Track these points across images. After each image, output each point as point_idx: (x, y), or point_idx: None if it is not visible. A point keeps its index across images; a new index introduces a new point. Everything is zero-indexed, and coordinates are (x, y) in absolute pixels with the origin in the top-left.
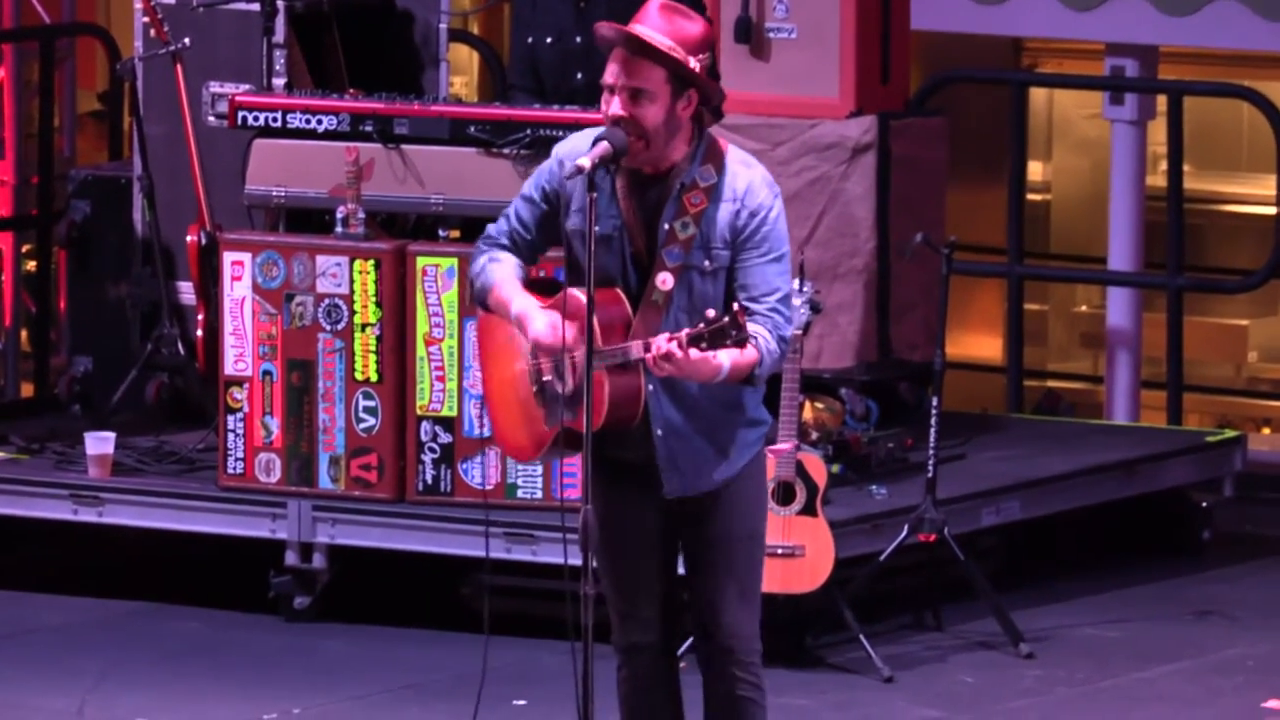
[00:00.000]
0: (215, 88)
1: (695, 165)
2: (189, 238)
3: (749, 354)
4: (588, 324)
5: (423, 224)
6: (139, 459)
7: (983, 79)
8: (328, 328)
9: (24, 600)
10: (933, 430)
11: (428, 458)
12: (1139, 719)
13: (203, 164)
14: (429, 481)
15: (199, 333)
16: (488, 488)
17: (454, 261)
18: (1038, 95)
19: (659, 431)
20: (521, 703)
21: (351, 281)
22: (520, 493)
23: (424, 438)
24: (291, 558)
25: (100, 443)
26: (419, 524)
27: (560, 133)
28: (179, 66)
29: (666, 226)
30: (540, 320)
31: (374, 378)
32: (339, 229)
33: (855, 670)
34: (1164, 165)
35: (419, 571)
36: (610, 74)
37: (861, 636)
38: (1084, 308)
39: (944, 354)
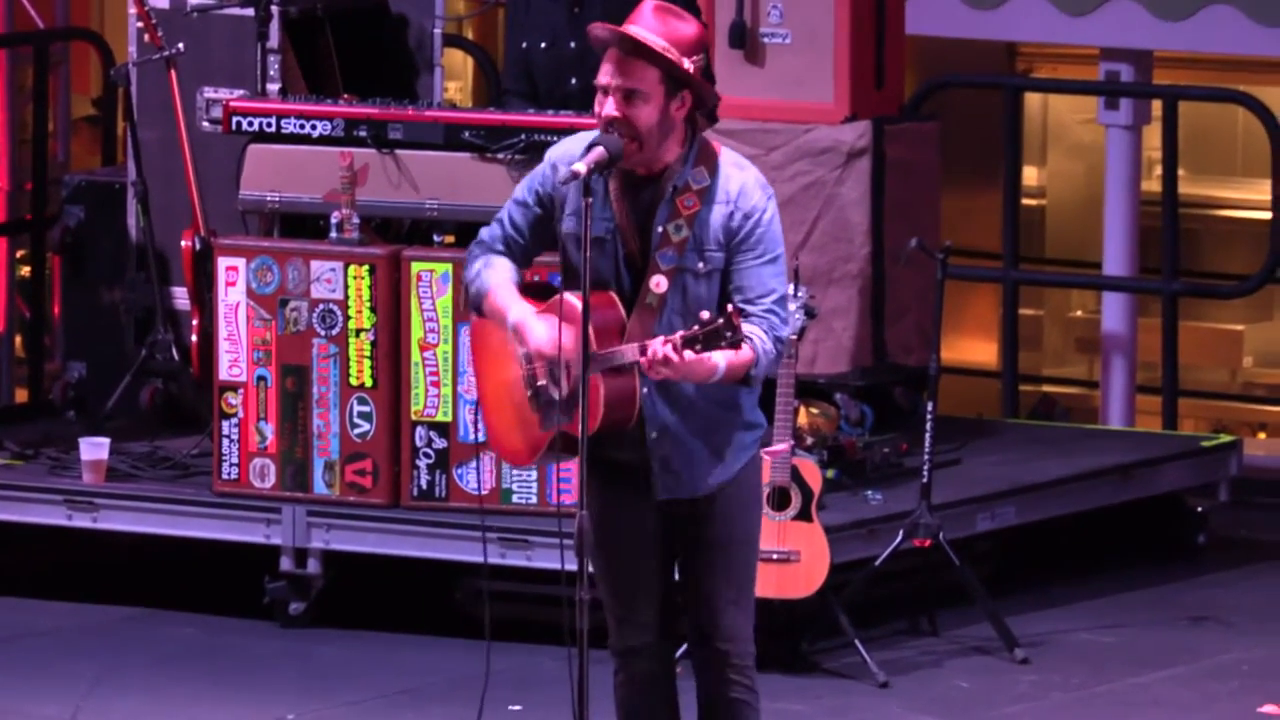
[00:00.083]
0: (209, 93)
1: (688, 167)
2: (183, 243)
3: (744, 354)
4: (583, 329)
5: (417, 229)
6: (133, 464)
7: (977, 84)
8: (322, 333)
9: (18, 605)
10: (928, 435)
11: (422, 463)
12: None
13: (197, 169)
14: (424, 487)
15: (193, 338)
16: (482, 493)
17: (449, 267)
18: (1032, 100)
19: (653, 434)
20: (517, 708)
21: (346, 287)
22: (515, 498)
23: (419, 443)
24: (286, 563)
25: (95, 448)
26: (414, 529)
27: (554, 138)
28: (173, 72)
29: (660, 229)
30: (539, 329)
31: (369, 383)
32: (333, 234)
33: (850, 675)
34: (1159, 170)
35: (414, 577)
36: (604, 74)
37: (857, 641)
38: (1079, 313)
39: (939, 359)
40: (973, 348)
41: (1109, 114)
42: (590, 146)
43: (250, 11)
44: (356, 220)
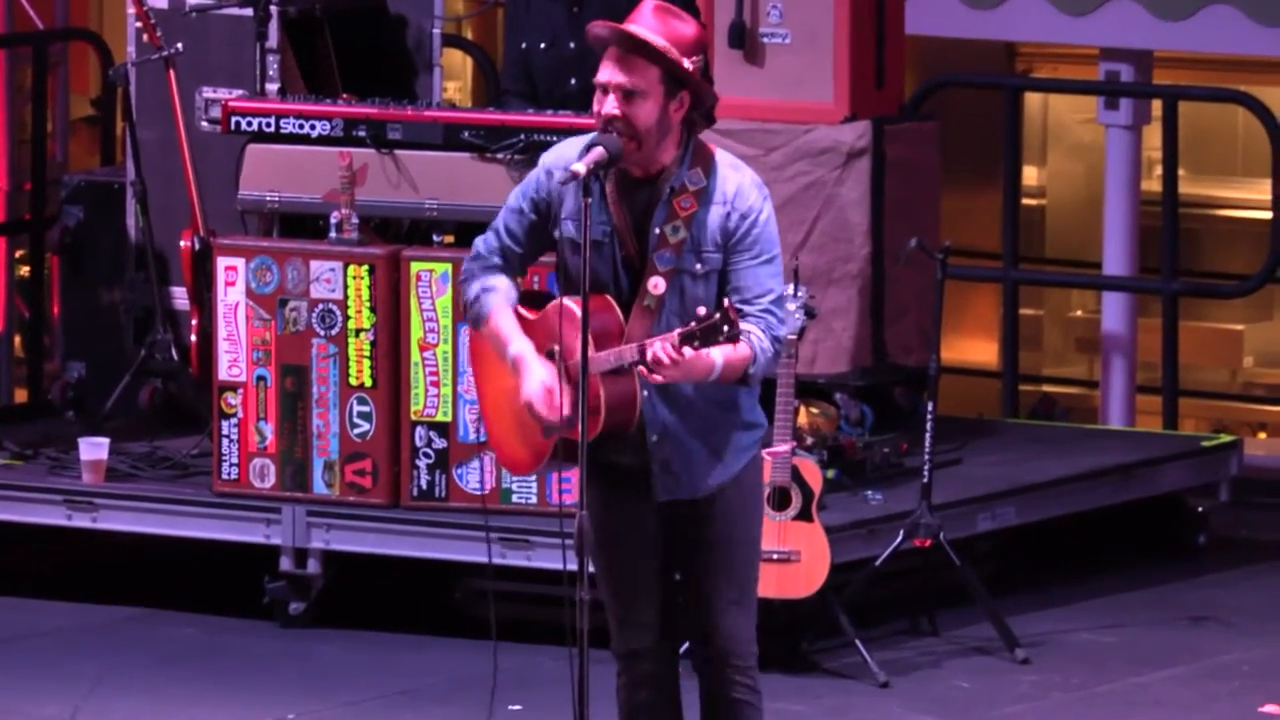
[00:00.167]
0: (208, 93)
1: (684, 168)
2: (182, 243)
3: (742, 351)
4: (583, 332)
5: (417, 229)
6: (133, 464)
7: (977, 84)
8: (322, 333)
9: (18, 606)
10: (928, 435)
11: (422, 463)
12: None
13: (196, 169)
14: (424, 487)
15: (193, 338)
16: (483, 493)
17: (448, 267)
18: (1032, 100)
19: (653, 437)
20: (518, 708)
21: (345, 287)
22: (515, 498)
23: (419, 443)
24: (286, 563)
25: (94, 448)
26: (414, 529)
27: (554, 138)
28: (172, 72)
29: (657, 230)
30: (535, 379)
31: (368, 383)
32: (333, 234)
33: (851, 675)
34: (1159, 170)
35: (414, 577)
36: (604, 73)
37: (857, 641)
38: (1079, 312)
39: (939, 359)
40: (973, 348)
41: (1109, 114)
42: (589, 147)
43: (249, 11)
44: (356, 220)
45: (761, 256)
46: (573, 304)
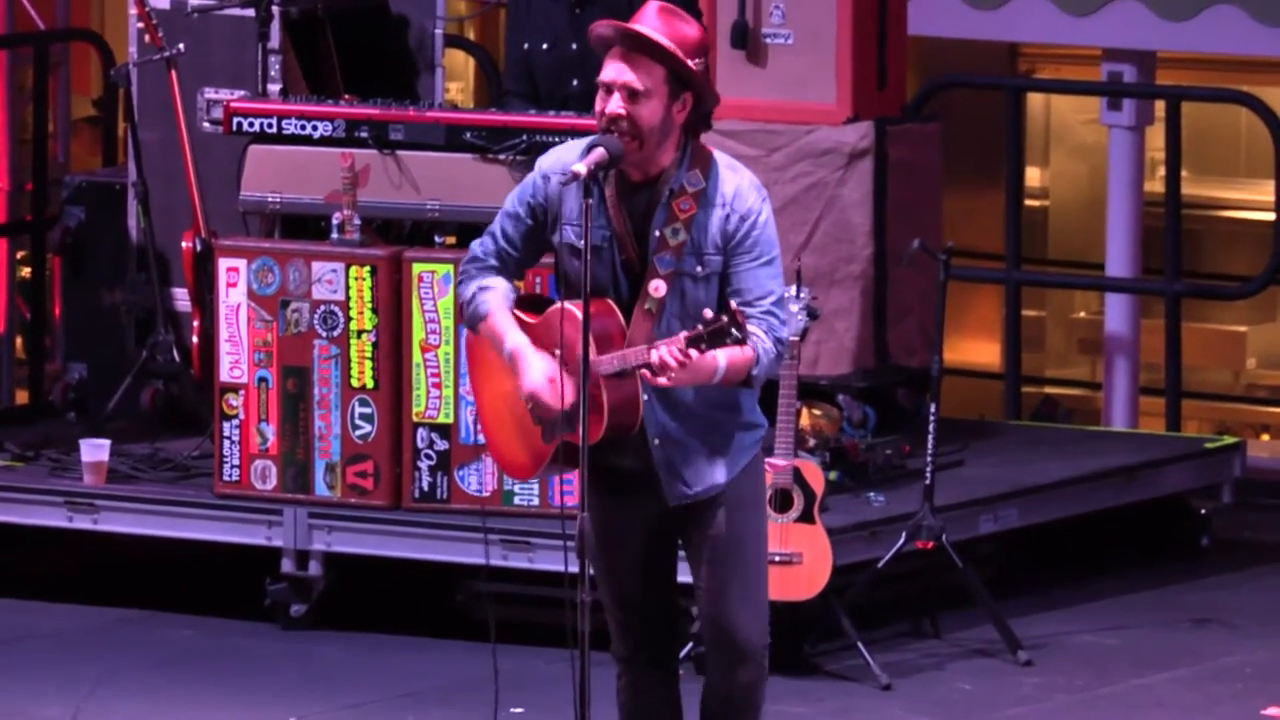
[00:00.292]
0: (210, 93)
1: (683, 170)
2: (184, 244)
3: (745, 353)
4: (584, 336)
5: (419, 230)
6: (134, 466)
7: (980, 84)
8: (323, 334)
9: (18, 607)
10: (930, 437)
11: (424, 464)
12: None
13: (198, 170)
14: (425, 488)
15: (194, 339)
16: (484, 495)
17: (450, 268)
18: (1035, 100)
19: (655, 440)
20: (519, 710)
21: (347, 288)
22: (517, 500)
23: (420, 444)
24: (287, 565)
25: (95, 450)
26: (415, 531)
27: (556, 139)
28: (174, 72)
29: (657, 233)
30: (535, 370)
31: (370, 384)
32: (334, 235)
33: (853, 678)
34: (1162, 171)
35: (415, 579)
36: (608, 72)
37: (859, 644)
38: (1082, 314)
39: (941, 360)
40: (975, 349)
41: (1112, 115)
42: (590, 148)
43: (251, 12)
44: (358, 221)
45: (762, 258)
46: (574, 308)
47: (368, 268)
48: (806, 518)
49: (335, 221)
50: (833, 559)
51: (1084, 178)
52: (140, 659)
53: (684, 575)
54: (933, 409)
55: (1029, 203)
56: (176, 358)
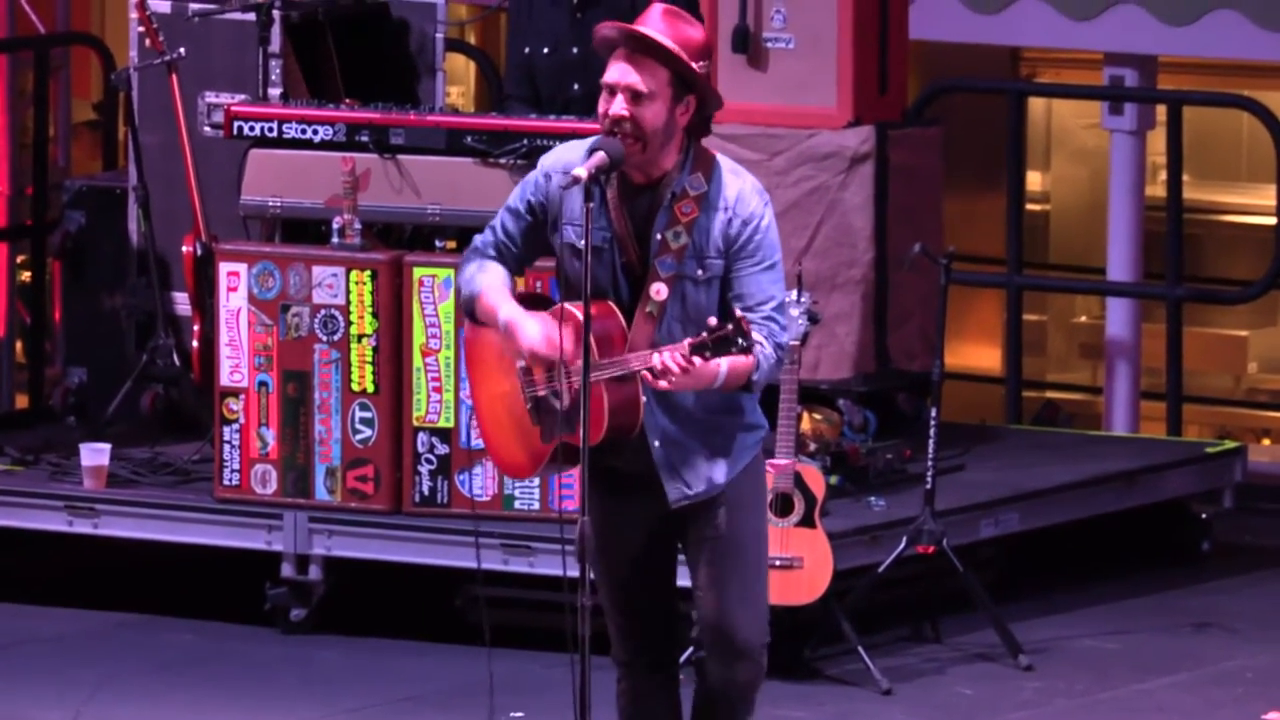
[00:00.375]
0: (211, 97)
1: (685, 174)
2: (184, 248)
3: (746, 359)
4: (584, 339)
5: (419, 234)
6: (134, 470)
7: (981, 89)
8: (324, 338)
9: (19, 612)
10: (931, 441)
11: (424, 469)
12: None
13: (198, 174)
14: (425, 493)
15: (194, 344)
16: (485, 499)
17: (450, 272)
18: (1036, 105)
19: (656, 442)
20: (519, 714)
21: (348, 292)
22: (517, 504)
23: (420, 449)
24: (287, 569)
25: (95, 454)
26: (415, 535)
27: (556, 143)
28: (174, 76)
29: (659, 236)
30: (532, 328)
31: (370, 389)
32: (335, 239)
33: (853, 682)
34: (1163, 175)
35: (415, 583)
36: (612, 73)
37: (860, 648)
38: (1083, 318)
39: (942, 364)
40: (976, 353)
41: (1113, 119)
42: (591, 151)
43: (252, 16)
44: (358, 225)
45: (763, 263)
46: (575, 309)
47: (368, 272)
48: (807, 522)
49: (336, 226)
50: (833, 563)
51: (1085, 182)
52: (140, 663)
53: (682, 579)
54: (933, 413)
55: (1030, 207)
56: (177, 362)
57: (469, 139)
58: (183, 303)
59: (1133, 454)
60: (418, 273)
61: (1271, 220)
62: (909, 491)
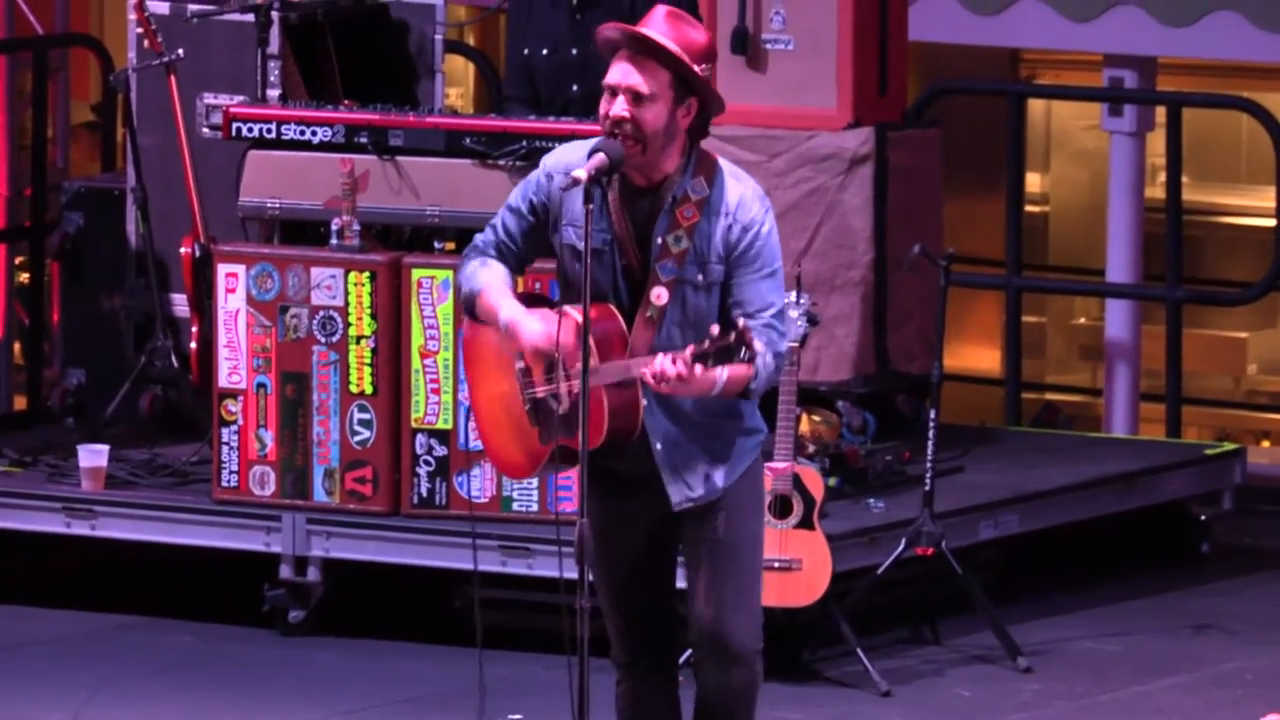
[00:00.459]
0: (209, 99)
1: (687, 177)
2: (183, 249)
3: (745, 368)
4: (584, 341)
5: (418, 236)
6: (132, 472)
7: (980, 90)
8: (322, 340)
9: (17, 613)
10: (930, 443)
11: (423, 470)
12: None
13: (197, 175)
14: (424, 494)
15: (193, 345)
16: (483, 500)
17: (449, 274)
18: (1035, 106)
19: (658, 445)
20: (518, 717)
21: (346, 294)
22: (516, 505)
23: (419, 450)
24: (286, 571)
25: (93, 455)
26: (414, 537)
27: (556, 144)
28: (173, 77)
29: (660, 240)
30: (533, 325)
31: (369, 390)
32: (334, 241)
33: (852, 684)
34: (1163, 177)
35: (414, 585)
36: (614, 74)
37: (859, 650)
38: (1082, 320)
39: (942, 366)
40: (976, 355)
41: (1113, 120)
42: (592, 152)
43: (250, 17)
44: (357, 227)
45: (764, 270)
46: (575, 312)
47: (367, 273)
48: (806, 524)
49: (334, 227)
50: (832, 565)
51: (1085, 183)
52: (138, 665)
53: (679, 580)
54: (933, 415)
55: (1029, 208)
56: (175, 363)
57: (468, 140)
58: (181, 304)
59: (1132, 456)
60: (416, 274)
61: (1271, 222)
62: (908, 493)
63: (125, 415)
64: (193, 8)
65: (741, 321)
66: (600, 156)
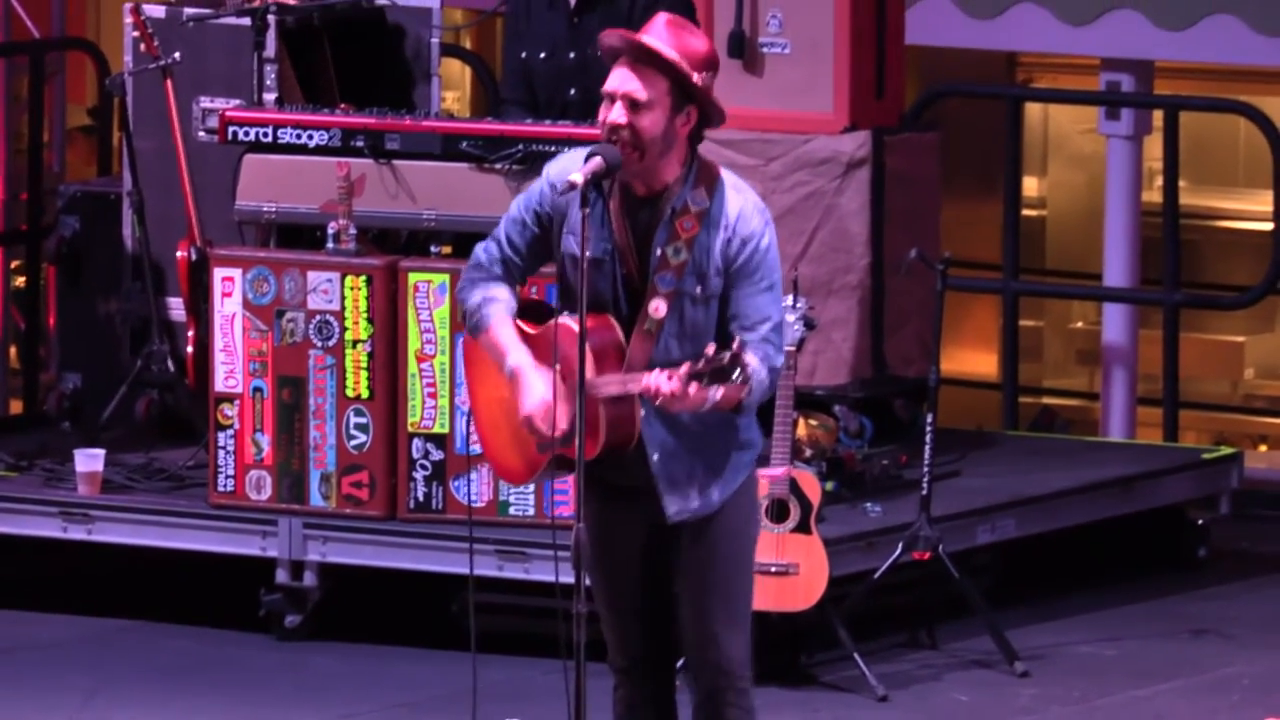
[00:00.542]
0: (206, 102)
1: (687, 188)
2: (179, 253)
3: (738, 386)
4: (580, 350)
5: (415, 240)
6: (128, 476)
7: (977, 94)
8: (319, 344)
9: (13, 618)
10: (927, 447)
11: (419, 475)
12: None
13: (193, 179)
14: (420, 499)
15: (189, 349)
16: (480, 505)
17: (446, 278)
18: (1033, 110)
19: (655, 456)
20: None
21: (343, 298)
22: (512, 510)
23: (415, 455)
24: (282, 576)
25: (90, 459)
26: (410, 541)
27: (553, 148)
28: (169, 81)
29: (659, 251)
30: (534, 391)
31: (365, 394)
32: (330, 245)
33: (849, 689)
34: (1160, 181)
35: (410, 589)
36: (612, 81)
37: (856, 655)
38: (1080, 324)
39: (939, 370)
40: (973, 359)
41: (1110, 124)
42: (589, 157)
43: (247, 21)
44: (353, 231)
45: (762, 283)
46: (574, 322)
47: (363, 277)
48: (803, 528)
49: (331, 231)
50: (829, 569)
51: (1082, 187)
52: (135, 669)
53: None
54: (930, 419)
55: (1027, 212)
56: (171, 367)
57: (464, 144)
58: (177, 308)
59: (1129, 460)
60: (413, 278)
61: (1268, 225)
62: (905, 497)
63: (121, 419)
64: (189, 11)
65: (736, 342)
66: (597, 160)
